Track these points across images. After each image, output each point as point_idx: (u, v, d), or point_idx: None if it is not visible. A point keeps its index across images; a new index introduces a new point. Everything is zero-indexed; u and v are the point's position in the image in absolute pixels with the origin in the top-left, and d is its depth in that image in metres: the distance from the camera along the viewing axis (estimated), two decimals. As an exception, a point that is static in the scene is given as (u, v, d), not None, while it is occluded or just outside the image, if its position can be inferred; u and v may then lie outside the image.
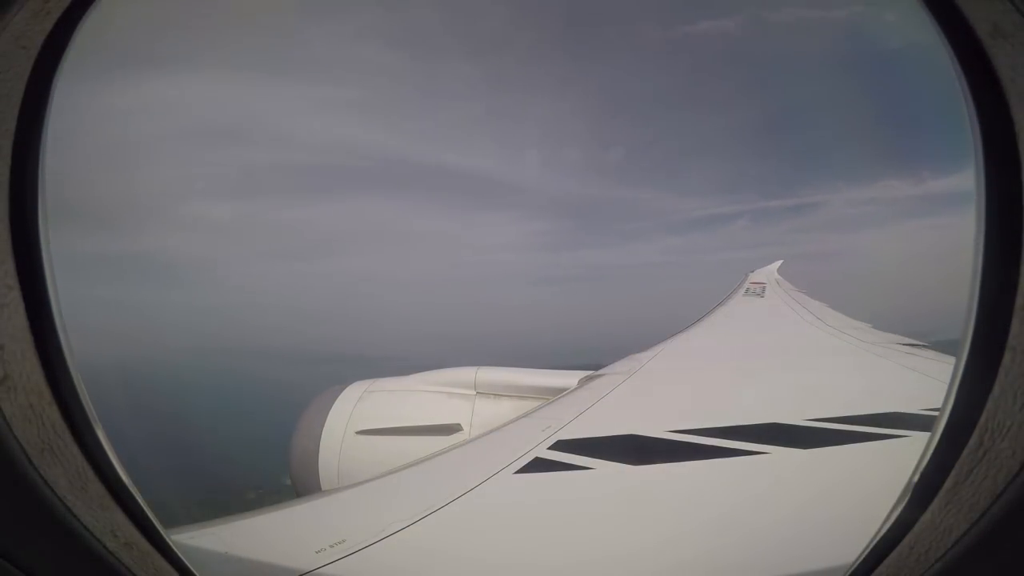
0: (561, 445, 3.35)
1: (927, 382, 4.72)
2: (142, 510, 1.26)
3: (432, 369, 5.55)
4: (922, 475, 1.18)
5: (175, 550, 1.34)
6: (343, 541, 2.11)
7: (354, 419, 4.91)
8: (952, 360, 1.17)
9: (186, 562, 1.36)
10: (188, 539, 1.98)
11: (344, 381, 5.38)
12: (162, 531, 1.30)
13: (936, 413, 1.18)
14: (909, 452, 1.25)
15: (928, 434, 1.18)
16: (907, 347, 6.43)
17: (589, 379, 5.46)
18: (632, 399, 4.83)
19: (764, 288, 13.38)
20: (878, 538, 1.27)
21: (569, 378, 5.58)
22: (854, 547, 1.34)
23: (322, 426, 4.87)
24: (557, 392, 5.25)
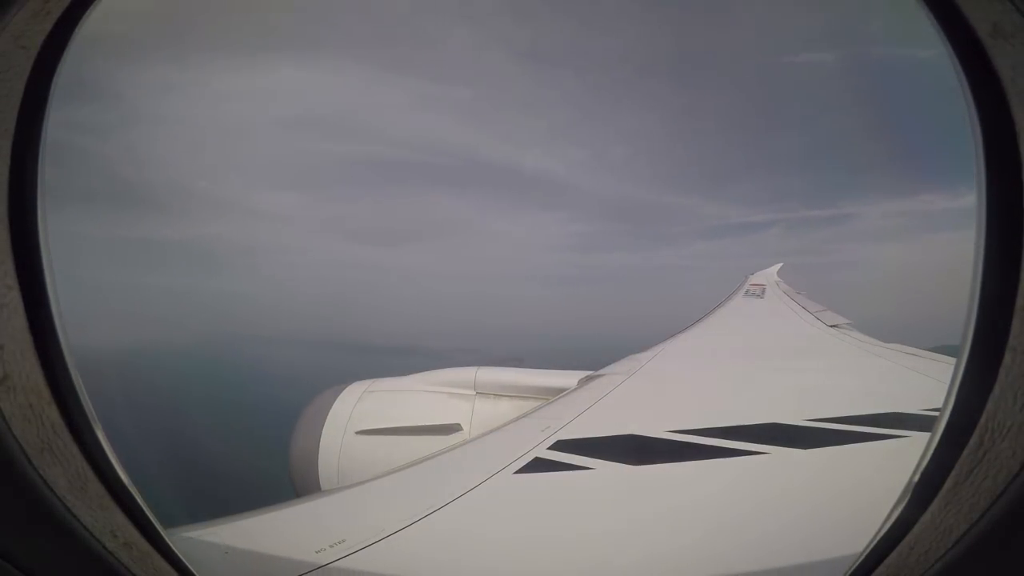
0: (561, 445, 3.35)
1: (926, 382, 4.72)
2: (141, 510, 1.26)
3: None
4: (922, 475, 1.18)
5: (174, 550, 1.34)
6: (343, 541, 2.11)
7: (354, 419, 4.91)
8: (951, 361, 1.17)
9: (185, 562, 1.36)
10: (187, 539, 1.97)
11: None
12: (161, 531, 1.30)
13: (936, 413, 1.18)
14: (909, 452, 1.25)
15: (928, 434, 1.18)
16: (908, 349, 6.44)
17: (589, 379, 5.46)
18: (632, 399, 4.83)
19: (764, 290, 13.41)
20: (878, 538, 1.27)
21: (569, 378, 5.58)
22: (854, 547, 1.35)
23: (322, 426, 4.87)
24: (557, 392, 5.25)
